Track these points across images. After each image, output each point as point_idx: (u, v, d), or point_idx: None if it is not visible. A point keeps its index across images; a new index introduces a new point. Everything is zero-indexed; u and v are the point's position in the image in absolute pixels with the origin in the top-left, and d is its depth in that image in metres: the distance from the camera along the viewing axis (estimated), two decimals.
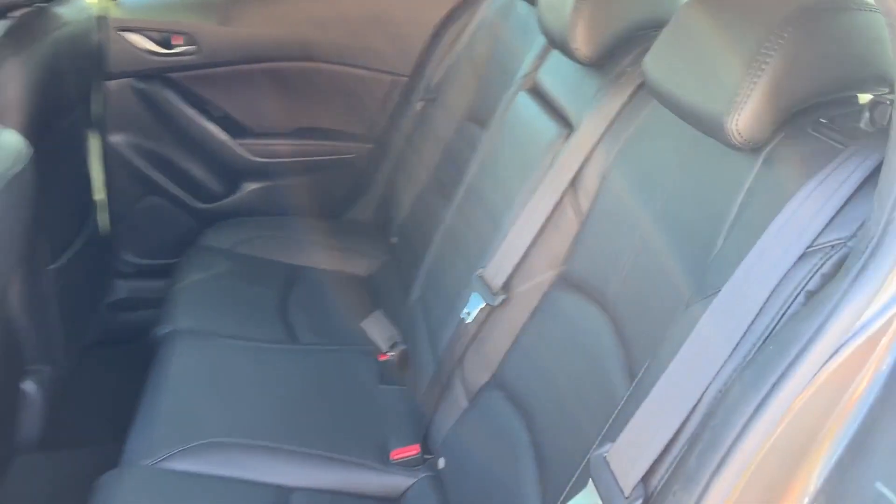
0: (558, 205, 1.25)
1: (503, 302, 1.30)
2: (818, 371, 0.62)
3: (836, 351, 0.62)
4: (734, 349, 0.72)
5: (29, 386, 1.65)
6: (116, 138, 2.16)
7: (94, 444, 1.46)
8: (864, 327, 0.63)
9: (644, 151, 1.13)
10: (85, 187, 2.04)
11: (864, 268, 0.64)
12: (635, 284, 1.03)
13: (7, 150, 1.00)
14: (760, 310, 0.71)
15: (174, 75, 2.17)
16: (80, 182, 2.00)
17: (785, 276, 0.71)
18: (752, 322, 0.71)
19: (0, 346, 1.54)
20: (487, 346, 1.34)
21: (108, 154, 2.15)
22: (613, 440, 0.80)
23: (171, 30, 2.12)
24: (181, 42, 2.12)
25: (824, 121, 0.86)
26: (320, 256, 2.16)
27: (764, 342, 0.69)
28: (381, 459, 1.44)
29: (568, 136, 1.30)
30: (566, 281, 1.24)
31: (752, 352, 0.70)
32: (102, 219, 2.19)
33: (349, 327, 1.84)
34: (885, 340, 0.62)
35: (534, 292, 1.27)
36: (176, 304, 1.83)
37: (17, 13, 1.59)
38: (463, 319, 1.36)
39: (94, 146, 2.09)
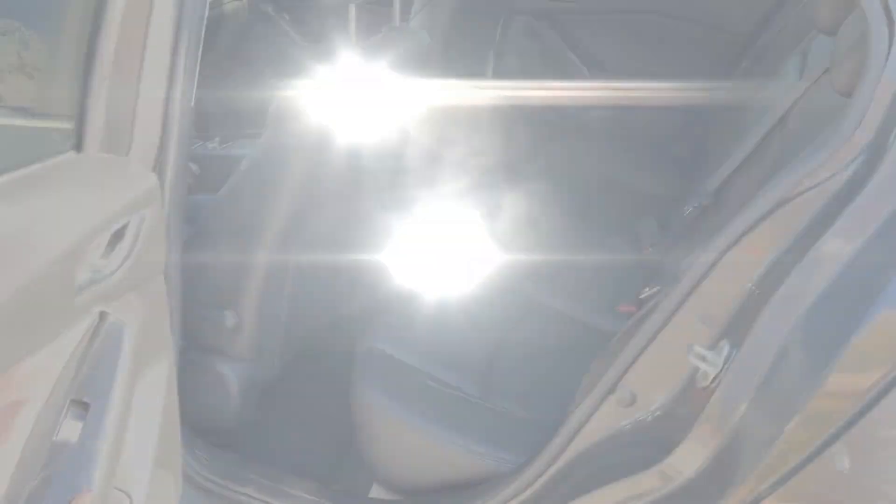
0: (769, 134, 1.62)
1: (713, 204, 1.72)
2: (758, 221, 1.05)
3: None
4: None
5: None
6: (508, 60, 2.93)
7: None
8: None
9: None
10: None
11: (786, 169, 1.02)
12: None
13: (417, 36, 1.81)
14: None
15: (559, 17, 2.84)
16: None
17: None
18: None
19: None
20: (696, 240, 1.77)
21: (496, 72, 2.93)
22: None
23: None
24: None
25: None
26: None
27: None
28: (610, 308, 1.98)
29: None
30: None
31: None
32: None
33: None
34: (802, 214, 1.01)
35: (736, 199, 1.66)
36: None
37: None
38: (685, 214, 1.81)
39: (489, 61, 2.88)
